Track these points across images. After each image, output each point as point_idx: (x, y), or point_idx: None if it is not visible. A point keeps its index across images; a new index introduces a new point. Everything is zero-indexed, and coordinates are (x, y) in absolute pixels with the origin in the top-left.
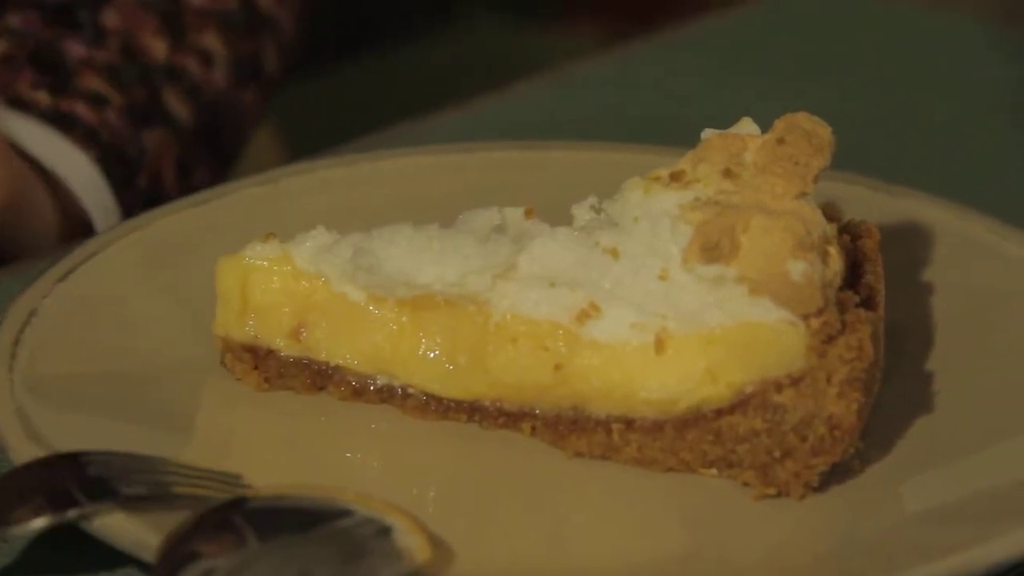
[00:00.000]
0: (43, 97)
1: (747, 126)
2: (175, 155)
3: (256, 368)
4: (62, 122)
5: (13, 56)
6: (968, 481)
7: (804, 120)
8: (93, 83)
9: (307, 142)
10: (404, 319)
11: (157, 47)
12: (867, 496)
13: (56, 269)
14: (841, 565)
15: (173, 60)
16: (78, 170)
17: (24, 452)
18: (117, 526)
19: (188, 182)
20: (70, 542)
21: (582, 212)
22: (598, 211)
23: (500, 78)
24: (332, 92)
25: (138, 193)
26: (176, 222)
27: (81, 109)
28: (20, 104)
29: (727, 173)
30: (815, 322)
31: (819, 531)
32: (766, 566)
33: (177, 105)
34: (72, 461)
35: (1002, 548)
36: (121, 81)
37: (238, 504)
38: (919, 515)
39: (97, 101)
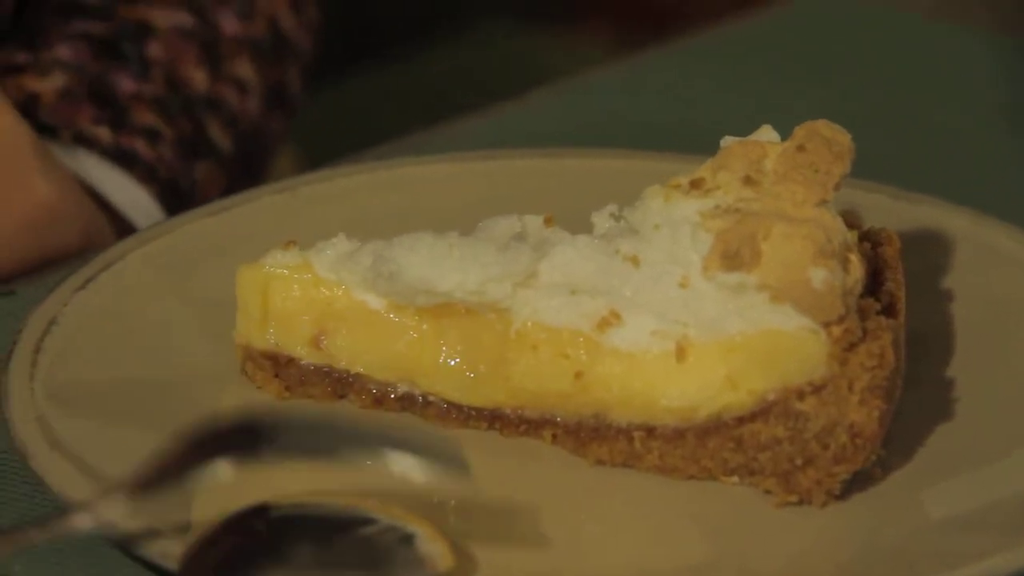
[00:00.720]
0: (104, 133)
1: (767, 133)
2: (222, 186)
3: (277, 376)
4: (124, 159)
5: (71, 90)
6: (990, 488)
7: (824, 127)
8: (146, 118)
9: (325, 150)
10: (424, 327)
11: (198, 78)
12: (889, 504)
13: (75, 278)
14: (863, 573)
15: (212, 91)
16: (141, 207)
17: (45, 461)
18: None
19: None
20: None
21: (602, 220)
22: (618, 219)
23: (516, 85)
24: (349, 101)
25: None
26: (196, 230)
27: (140, 145)
28: (83, 140)
29: (747, 180)
30: (836, 330)
31: (841, 539)
32: (788, 574)
33: (219, 136)
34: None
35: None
36: (169, 114)
37: (261, 512)
38: (941, 522)
39: (152, 136)
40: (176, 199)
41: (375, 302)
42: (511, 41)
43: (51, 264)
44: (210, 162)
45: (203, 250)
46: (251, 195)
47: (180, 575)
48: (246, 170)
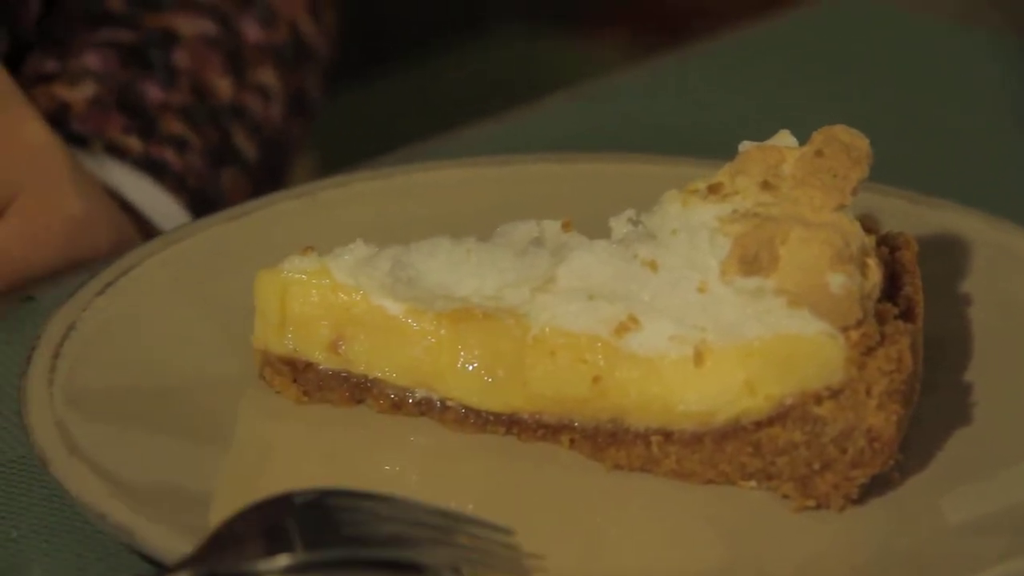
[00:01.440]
0: (135, 143)
1: (785, 138)
2: (247, 193)
3: (295, 381)
4: (154, 168)
5: (101, 99)
6: (1008, 493)
7: (842, 132)
8: (175, 127)
9: (343, 156)
10: (443, 332)
11: (223, 86)
12: (906, 508)
13: (94, 283)
14: None
15: (237, 99)
16: (172, 217)
17: (64, 466)
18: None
19: None
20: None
21: (620, 225)
22: (636, 224)
23: (533, 90)
24: (367, 106)
25: None
26: (214, 236)
27: (169, 155)
28: (114, 150)
29: (765, 185)
30: (854, 334)
31: (858, 543)
32: None
33: (245, 144)
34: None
35: None
36: (196, 123)
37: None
38: (959, 527)
39: (181, 146)
40: (205, 207)
41: (393, 307)
42: (527, 46)
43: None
44: (236, 170)
45: (221, 255)
46: (269, 200)
47: (195, 558)
48: (270, 177)
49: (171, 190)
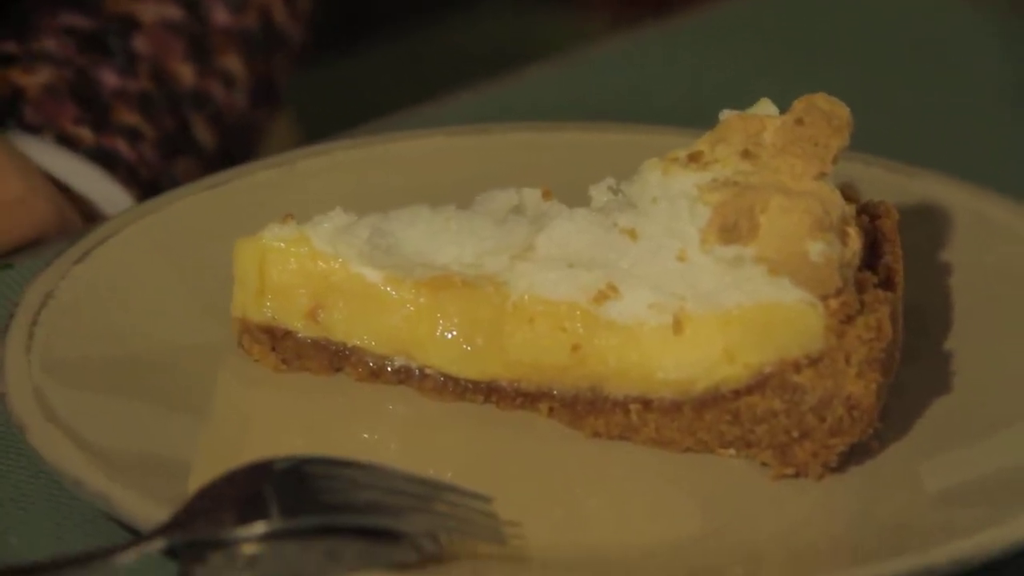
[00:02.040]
0: (87, 134)
1: (765, 107)
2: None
3: (273, 349)
4: (106, 160)
5: (55, 87)
6: (987, 462)
7: (823, 101)
8: (129, 117)
9: (323, 125)
10: (422, 300)
11: (185, 73)
12: (885, 477)
13: (72, 251)
14: (859, 545)
15: (199, 86)
16: (122, 208)
17: (41, 434)
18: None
19: None
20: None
21: (600, 193)
22: (616, 192)
23: (514, 61)
24: (347, 75)
25: None
26: (192, 204)
27: (121, 146)
28: (66, 141)
29: (746, 154)
30: (834, 302)
31: (837, 511)
32: (784, 546)
33: (203, 132)
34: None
35: (1021, 528)
36: (152, 112)
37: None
38: (937, 496)
39: (134, 136)
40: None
41: (372, 275)
42: (510, 16)
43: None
44: (191, 159)
45: (200, 224)
46: (248, 169)
47: (172, 525)
48: (227, 165)
49: (122, 181)
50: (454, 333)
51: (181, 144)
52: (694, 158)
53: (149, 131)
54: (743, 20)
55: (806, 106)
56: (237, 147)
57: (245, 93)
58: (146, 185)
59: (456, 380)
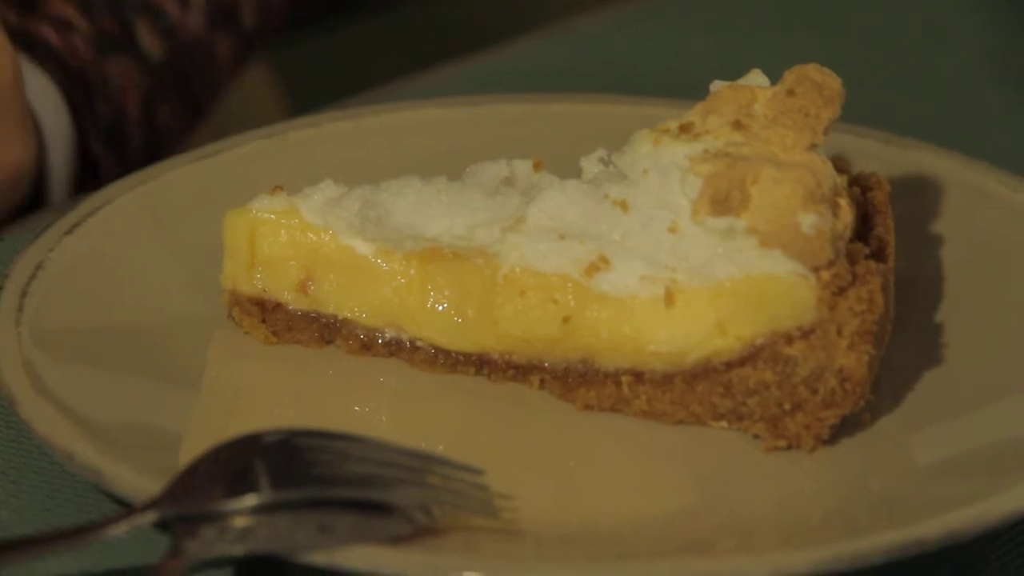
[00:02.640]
0: (11, 16)
1: (757, 77)
2: (142, 89)
3: (264, 321)
4: (28, 45)
5: None
6: (978, 433)
7: (814, 71)
8: (63, 9)
9: (313, 97)
10: (412, 272)
11: None
12: (877, 448)
13: (63, 222)
14: (851, 517)
15: None
16: (44, 95)
17: (31, 406)
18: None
19: (153, 118)
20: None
21: (591, 164)
22: (607, 163)
23: (505, 33)
24: (337, 46)
25: (97, 119)
26: (183, 175)
27: (47, 32)
28: None
29: (737, 125)
30: (825, 274)
31: (829, 483)
32: (776, 518)
33: (149, 40)
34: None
35: (1012, 500)
36: (90, 9)
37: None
38: (929, 467)
39: (65, 27)
40: (82, 88)
41: (362, 247)
42: None
43: None
44: (131, 62)
45: (190, 195)
46: (239, 140)
47: (162, 498)
48: (184, 84)
49: (48, 70)
50: (445, 305)
51: (119, 44)
52: (685, 129)
53: (83, 26)
54: None
55: (797, 77)
56: (192, 68)
57: (202, 15)
58: (73, 73)
59: (447, 352)
